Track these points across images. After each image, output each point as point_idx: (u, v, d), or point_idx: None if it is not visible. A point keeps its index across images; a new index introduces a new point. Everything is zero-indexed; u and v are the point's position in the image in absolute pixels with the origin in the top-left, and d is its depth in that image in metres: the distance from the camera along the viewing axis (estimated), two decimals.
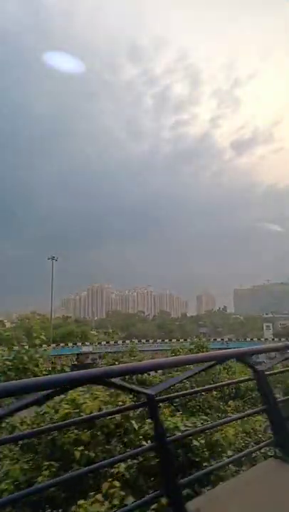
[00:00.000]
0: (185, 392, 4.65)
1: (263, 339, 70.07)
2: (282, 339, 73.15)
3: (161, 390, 2.02)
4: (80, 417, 5.43)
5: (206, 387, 9.57)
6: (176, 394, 2.70)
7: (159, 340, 60.95)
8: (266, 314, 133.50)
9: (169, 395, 2.61)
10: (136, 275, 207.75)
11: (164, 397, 2.41)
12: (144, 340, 59.09)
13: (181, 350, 32.48)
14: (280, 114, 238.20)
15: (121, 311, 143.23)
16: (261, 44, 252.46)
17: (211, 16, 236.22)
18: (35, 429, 4.68)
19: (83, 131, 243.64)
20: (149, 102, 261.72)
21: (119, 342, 57.43)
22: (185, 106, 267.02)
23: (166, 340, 63.43)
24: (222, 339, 68.68)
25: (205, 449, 6.02)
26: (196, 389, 3.90)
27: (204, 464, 5.60)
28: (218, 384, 10.44)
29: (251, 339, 70.58)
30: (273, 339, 72.21)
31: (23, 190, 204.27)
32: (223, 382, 11.22)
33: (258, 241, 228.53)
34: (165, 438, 2.02)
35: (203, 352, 32.49)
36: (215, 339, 67.59)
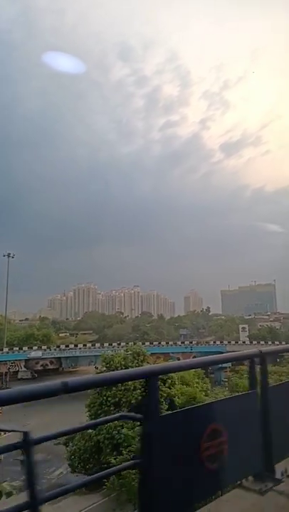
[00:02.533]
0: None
1: (232, 342, 68.60)
2: (254, 342, 72.00)
3: None
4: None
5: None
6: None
7: (123, 344, 59.10)
8: (249, 315, 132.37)
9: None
10: (125, 276, 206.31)
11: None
12: (106, 344, 57.27)
13: (115, 357, 30.10)
14: (268, 117, 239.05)
15: (99, 311, 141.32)
16: (251, 47, 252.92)
17: (201, 17, 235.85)
18: None
19: (72, 130, 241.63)
20: (140, 102, 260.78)
21: (80, 346, 55.55)
22: (175, 107, 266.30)
23: (131, 344, 61.73)
24: (190, 342, 67.05)
25: None
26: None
27: None
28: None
29: (221, 342, 69.20)
30: (244, 342, 70.86)
31: (13, 191, 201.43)
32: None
33: (247, 242, 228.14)
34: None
35: (139, 360, 30.09)
36: (183, 342, 66.12)
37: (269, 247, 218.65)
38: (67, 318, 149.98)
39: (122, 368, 28.26)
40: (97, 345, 57.02)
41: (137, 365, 28.43)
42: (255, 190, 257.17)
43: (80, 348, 52.49)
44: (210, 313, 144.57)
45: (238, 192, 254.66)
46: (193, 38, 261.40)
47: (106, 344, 57.91)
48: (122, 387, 24.89)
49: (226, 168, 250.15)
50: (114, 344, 59.80)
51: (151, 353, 57.69)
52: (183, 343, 64.52)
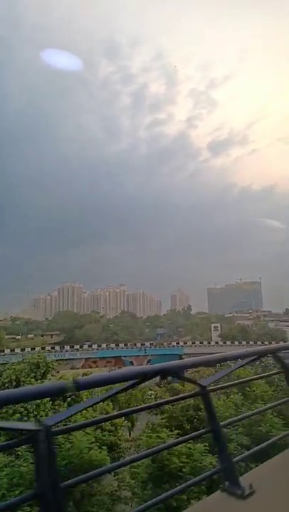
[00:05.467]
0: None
1: (196, 343, 65.76)
2: (220, 343, 69.19)
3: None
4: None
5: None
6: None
7: (84, 347, 56.03)
8: (230, 313, 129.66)
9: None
10: (111, 275, 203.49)
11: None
12: (58, 347, 54.26)
13: (7, 370, 26.03)
14: (255, 116, 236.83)
15: (73, 311, 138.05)
16: (237, 46, 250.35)
17: (189, 16, 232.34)
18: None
19: (60, 127, 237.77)
20: (126, 100, 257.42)
21: (28, 349, 52.35)
22: (161, 105, 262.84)
23: (91, 347, 58.77)
24: (151, 344, 64.09)
25: None
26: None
27: None
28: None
29: (185, 343, 66.28)
30: (209, 342, 68.05)
31: None
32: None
33: (235, 240, 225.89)
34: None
35: (38, 373, 25.67)
36: (143, 344, 63.05)
37: (257, 244, 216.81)
38: (46, 318, 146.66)
39: (12, 384, 24.41)
40: (48, 348, 53.99)
41: (34, 379, 24.67)
42: (242, 188, 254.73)
43: (27, 352, 49.22)
44: (192, 312, 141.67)
45: (227, 190, 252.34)
46: (180, 36, 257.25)
47: (57, 347, 54.93)
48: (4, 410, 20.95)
49: (213, 167, 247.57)
50: (66, 347, 56.85)
51: (101, 358, 55.01)
52: (143, 345, 61.43)
